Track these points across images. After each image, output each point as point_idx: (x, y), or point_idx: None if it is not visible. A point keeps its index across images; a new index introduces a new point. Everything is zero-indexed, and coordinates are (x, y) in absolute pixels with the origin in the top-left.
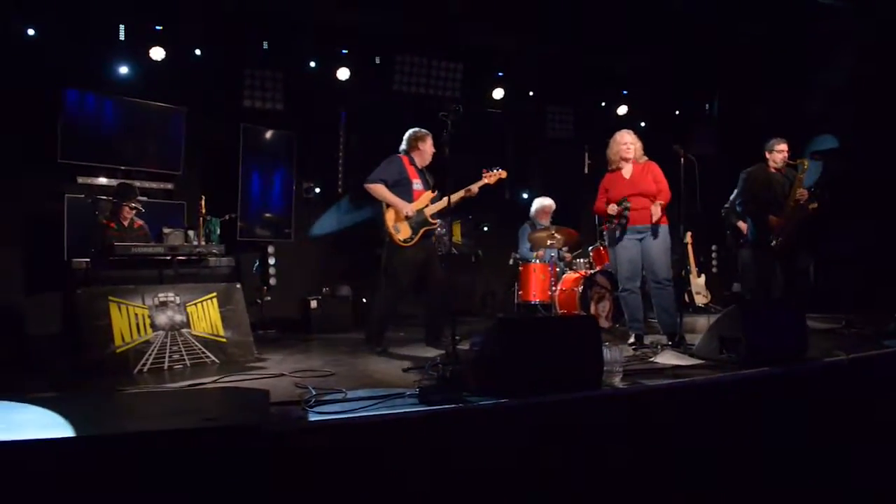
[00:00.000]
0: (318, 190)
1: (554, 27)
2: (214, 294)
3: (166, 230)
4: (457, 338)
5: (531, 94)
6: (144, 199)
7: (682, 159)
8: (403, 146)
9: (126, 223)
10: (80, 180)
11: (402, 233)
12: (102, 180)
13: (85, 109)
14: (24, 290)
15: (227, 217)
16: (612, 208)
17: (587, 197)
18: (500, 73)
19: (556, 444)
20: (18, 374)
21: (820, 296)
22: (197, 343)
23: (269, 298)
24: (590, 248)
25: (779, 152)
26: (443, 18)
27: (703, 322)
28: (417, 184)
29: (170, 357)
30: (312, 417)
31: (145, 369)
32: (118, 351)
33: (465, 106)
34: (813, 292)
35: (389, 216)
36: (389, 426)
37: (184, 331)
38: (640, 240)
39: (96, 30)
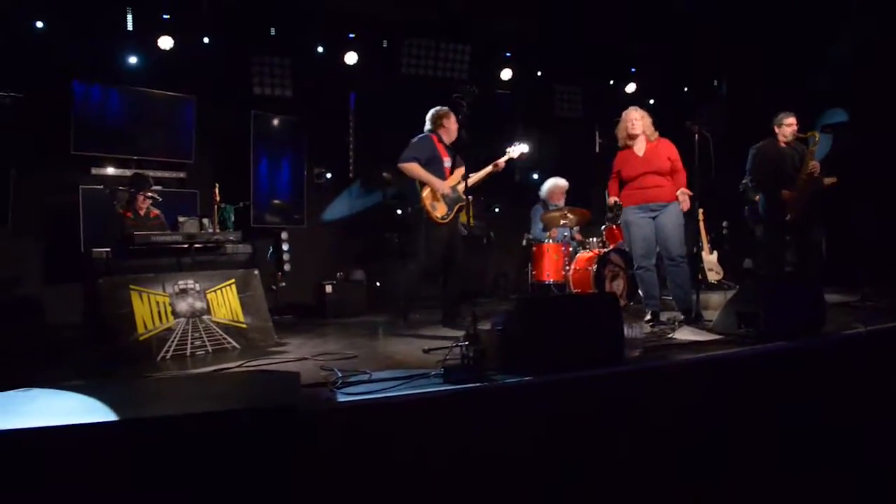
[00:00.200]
0: (329, 175)
1: (560, 6)
2: (233, 280)
3: (181, 219)
4: (476, 318)
5: (539, 74)
6: (159, 187)
7: (696, 136)
8: (429, 126)
9: (142, 213)
10: (94, 171)
11: (439, 210)
12: (116, 171)
13: (96, 101)
14: (43, 280)
15: (241, 204)
16: (611, 201)
17: (598, 176)
18: (508, 54)
19: (580, 420)
20: (43, 363)
21: (834, 270)
22: (218, 329)
23: (283, 284)
24: (602, 226)
25: (788, 126)
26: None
27: (715, 298)
28: (448, 161)
29: (192, 344)
30: (341, 398)
31: (168, 356)
32: (141, 338)
33: (465, 88)
34: (826, 266)
35: (426, 194)
36: (418, 405)
37: (204, 317)
38: (654, 217)
39: (104, 21)
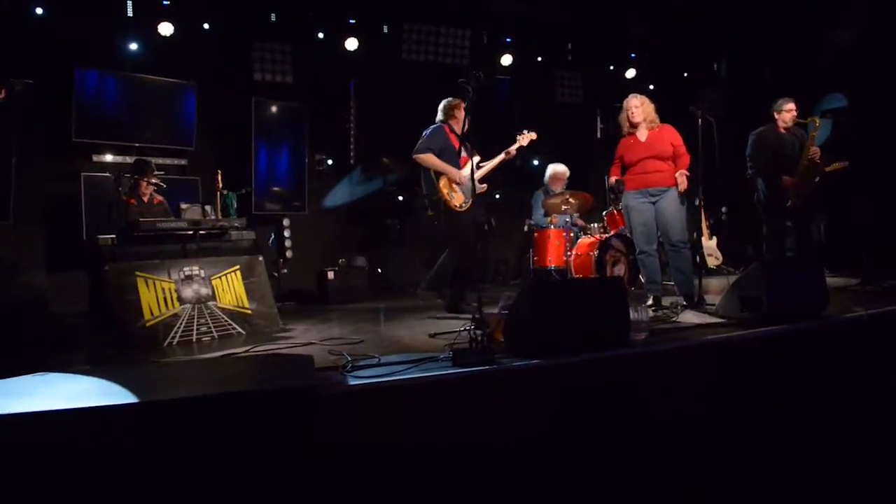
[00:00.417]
0: (330, 162)
1: None
2: (238, 267)
3: (184, 205)
4: (478, 303)
5: (539, 59)
6: (163, 173)
7: (700, 120)
8: (441, 116)
9: (146, 199)
10: (95, 159)
11: (457, 199)
12: (117, 158)
13: (97, 88)
14: (46, 268)
15: (243, 191)
16: (611, 181)
17: (600, 162)
18: (508, 40)
19: (587, 402)
20: (51, 350)
21: (833, 254)
22: (223, 315)
23: (285, 271)
24: (603, 212)
25: (787, 112)
26: None
27: (715, 284)
28: (462, 151)
29: (198, 330)
30: (352, 381)
31: (175, 342)
32: (148, 325)
33: (471, 73)
34: (824, 251)
35: (443, 184)
36: (429, 387)
37: (210, 303)
38: (654, 202)
39: (104, 7)
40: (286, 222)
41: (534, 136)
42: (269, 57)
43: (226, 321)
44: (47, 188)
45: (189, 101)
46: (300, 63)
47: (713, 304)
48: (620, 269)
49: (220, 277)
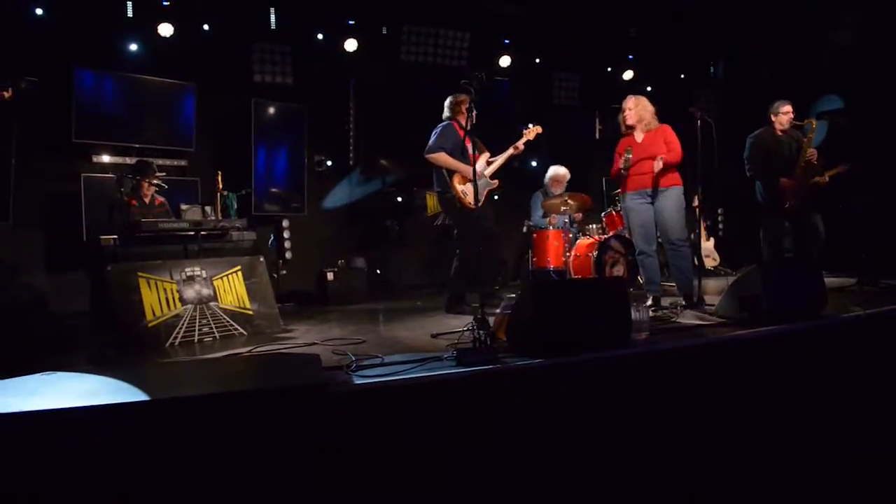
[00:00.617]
0: (329, 163)
1: None
2: (239, 267)
3: (184, 206)
4: (477, 304)
5: (537, 61)
6: (164, 174)
7: (699, 122)
8: (447, 113)
9: (147, 200)
10: (95, 159)
11: (471, 196)
12: (117, 159)
13: (96, 89)
14: (46, 269)
15: (243, 192)
16: (619, 162)
17: (598, 163)
18: (507, 41)
19: (589, 401)
20: (53, 351)
21: (831, 255)
22: (225, 316)
23: (284, 272)
24: (602, 213)
25: (784, 114)
26: None
27: (713, 284)
28: (471, 147)
29: (199, 330)
30: (357, 381)
31: (177, 342)
32: (150, 325)
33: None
34: (825, 251)
35: (456, 182)
36: (434, 387)
37: (211, 304)
38: (651, 202)
39: (103, 7)
40: (285, 223)
41: (539, 129)
42: (269, 58)
43: (227, 322)
44: (47, 188)
45: (189, 101)
46: (300, 64)
47: (713, 305)
48: (619, 270)
49: (221, 278)
